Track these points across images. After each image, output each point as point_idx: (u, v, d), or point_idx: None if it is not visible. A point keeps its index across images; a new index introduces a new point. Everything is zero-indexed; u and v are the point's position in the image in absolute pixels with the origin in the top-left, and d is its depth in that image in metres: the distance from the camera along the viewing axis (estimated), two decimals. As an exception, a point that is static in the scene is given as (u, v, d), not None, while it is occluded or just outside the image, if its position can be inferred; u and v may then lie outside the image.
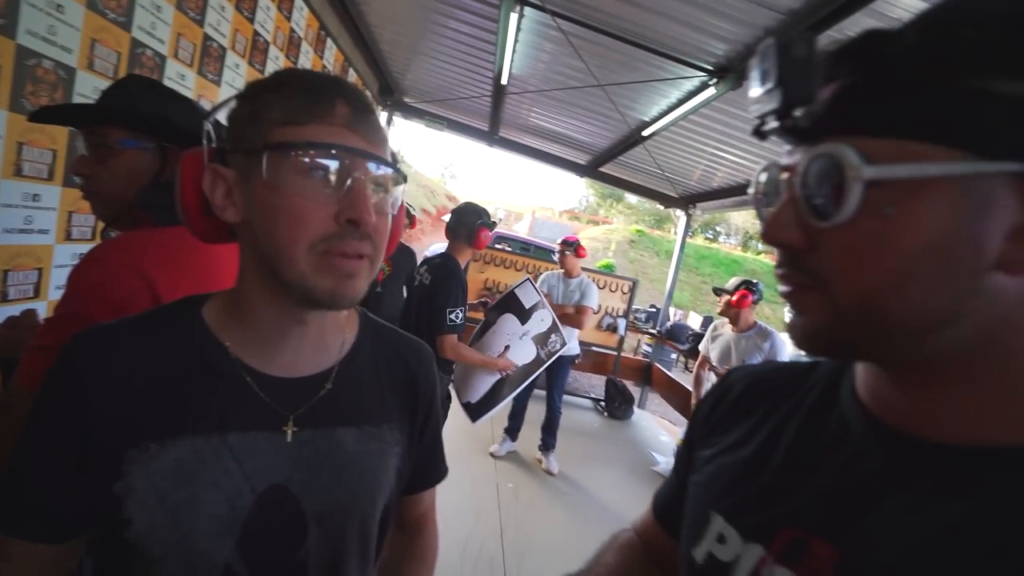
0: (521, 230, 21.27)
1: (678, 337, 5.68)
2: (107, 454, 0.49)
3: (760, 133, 0.39)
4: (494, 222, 2.50)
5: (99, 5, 1.53)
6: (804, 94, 0.36)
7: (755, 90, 0.38)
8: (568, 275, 3.55)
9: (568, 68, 3.51)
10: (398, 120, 5.88)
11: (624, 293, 5.63)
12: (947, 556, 0.34)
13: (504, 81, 3.83)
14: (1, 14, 1.24)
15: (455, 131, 5.98)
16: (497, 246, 7.50)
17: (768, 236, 0.39)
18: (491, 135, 5.90)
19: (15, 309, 1.44)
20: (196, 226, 0.55)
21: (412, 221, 3.31)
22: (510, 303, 2.95)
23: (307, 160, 0.48)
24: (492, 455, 3.76)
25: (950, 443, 0.36)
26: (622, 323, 5.13)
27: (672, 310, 7.46)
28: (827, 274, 0.36)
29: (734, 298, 2.82)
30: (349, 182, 0.49)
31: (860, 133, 0.34)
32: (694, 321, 9.39)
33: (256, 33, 2.54)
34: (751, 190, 0.44)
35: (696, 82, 3.01)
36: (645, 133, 3.96)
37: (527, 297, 2.93)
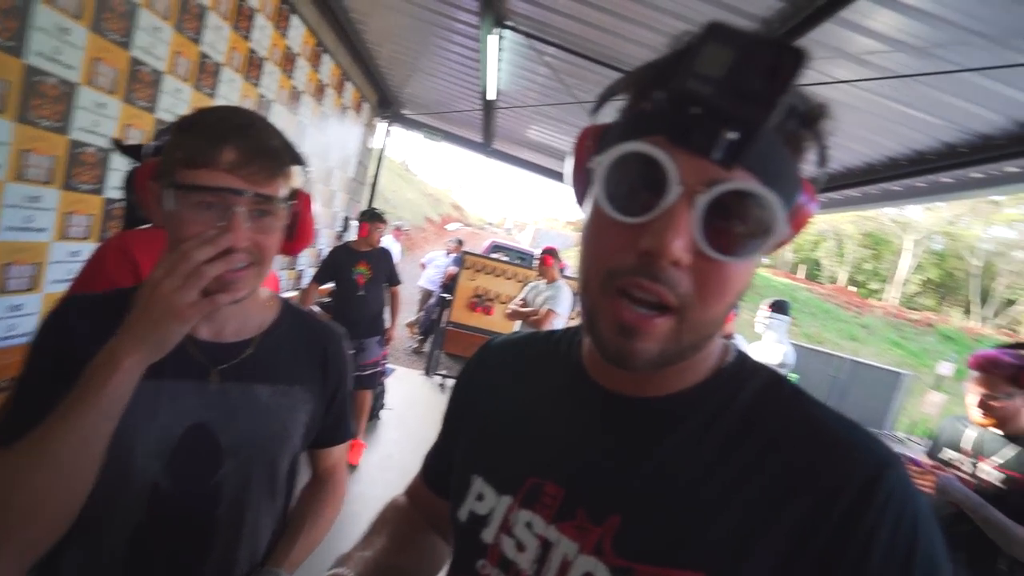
0: (524, 240, 21.47)
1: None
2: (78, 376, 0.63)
3: (657, 105, 0.37)
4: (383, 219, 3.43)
5: (102, 27, 1.71)
6: (763, 109, 0.33)
7: (708, 65, 0.33)
8: (548, 281, 3.69)
9: (552, 86, 3.69)
10: (397, 131, 6.10)
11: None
12: (633, 473, 0.44)
13: (491, 96, 4.01)
14: (11, 37, 1.42)
15: (452, 143, 6.19)
16: (493, 256, 7.69)
17: (668, 253, 0.36)
18: (485, 147, 6.09)
19: (14, 300, 1.60)
20: (157, 222, 0.71)
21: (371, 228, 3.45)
22: None
23: (194, 198, 0.61)
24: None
25: (644, 397, 0.46)
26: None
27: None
28: (691, 299, 0.38)
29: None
30: (229, 214, 0.61)
31: (762, 178, 0.36)
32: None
33: (252, 51, 2.73)
34: (603, 160, 0.38)
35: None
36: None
37: None
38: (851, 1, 1.82)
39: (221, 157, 0.62)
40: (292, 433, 0.76)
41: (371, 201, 5.92)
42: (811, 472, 0.39)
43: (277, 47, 3.00)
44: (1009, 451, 1.60)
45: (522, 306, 3.64)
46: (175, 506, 0.67)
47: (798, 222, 0.42)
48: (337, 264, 3.37)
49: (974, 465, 1.66)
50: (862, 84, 2.37)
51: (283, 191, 0.67)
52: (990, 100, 2.24)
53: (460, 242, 7.96)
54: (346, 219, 5.08)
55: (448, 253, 7.92)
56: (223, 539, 0.71)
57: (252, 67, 2.77)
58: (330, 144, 4.23)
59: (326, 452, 0.88)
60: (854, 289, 28.30)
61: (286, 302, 0.84)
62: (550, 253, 3.65)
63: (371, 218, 3.41)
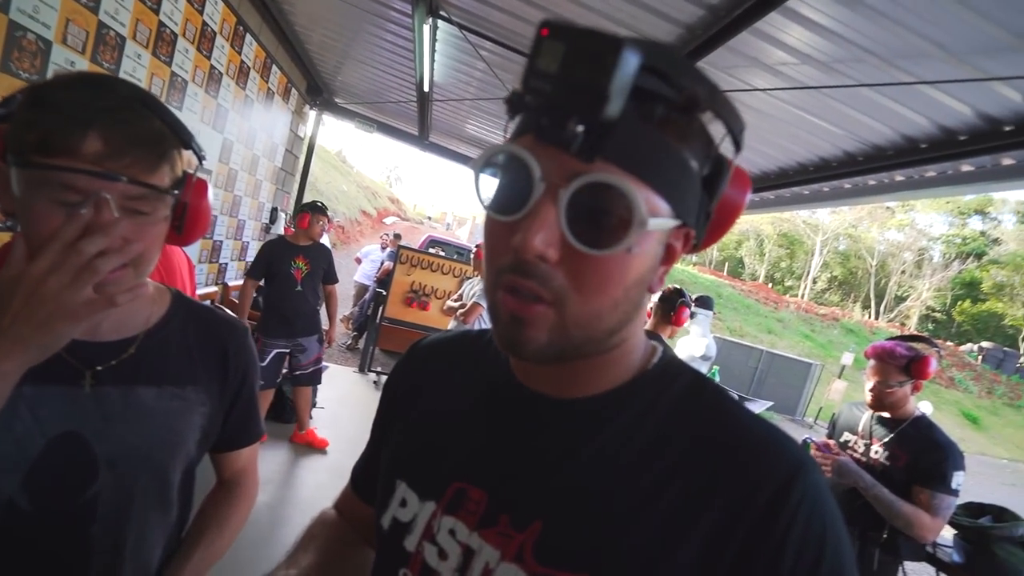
0: (463, 235, 21.35)
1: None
2: None
3: (514, 106, 0.37)
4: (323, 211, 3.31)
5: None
6: (597, 102, 0.32)
7: (545, 61, 0.34)
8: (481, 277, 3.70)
9: (488, 80, 3.67)
10: (331, 120, 5.86)
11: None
12: (556, 477, 0.43)
13: (427, 88, 3.94)
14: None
15: (386, 134, 6.02)
16: (430, 250, 7.58)
17: (530, 249, 0.36)
18: (421, 140, 5.98)
19: None
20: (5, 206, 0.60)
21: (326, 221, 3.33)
22: None
23: (50, 191, 0.52)
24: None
25: (568, 398, 0.46)
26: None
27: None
28: (567, 292, 0.38)
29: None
30: (91, 205, 0.53)
31: (629, 169, 0.36)
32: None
33: (161, 24, 2.51)
34: (476, 163, 0.40)
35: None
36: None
37: None
38: (764, 14, 1.93)
39: (83, 147, 0.53)
40: (185, 439, 0.70)
41: (302, 192, 5.65)
42: (728, 474, 0.40)
43: (191, 22, 2.78)
44: (895, 433, 1.78)
45: (457, 302, 3.63)
46: (36, 527, 0.60)
47: (723, 209, 0.42)
48: (273, 257, 3.18)
49: (867, 446, 1.84)
50: (775, 93, 2.54)
51: (167, 179, 0.60)
52: (882, 114, 2.47)
53: (397, 236, 7.78)
54: (274, 210, 4.82)
55: (383, 247, 7.72)
56: (101, 560, 0.64)
57: (162, 43, 2.55)
58: (255, 130, 3.97)
59: (232, 456, 0.82)
60: (771, 286, 30.49)
61: (178, 295, 0.77)
62: (482, 247, 3.66)
63: (313, 210, 3.25)
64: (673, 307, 2.56)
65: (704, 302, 3.53)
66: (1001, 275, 29.06)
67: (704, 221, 0.43)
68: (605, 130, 0.34)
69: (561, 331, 0.39)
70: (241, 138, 3.72)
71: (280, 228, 4.86)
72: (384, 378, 4.19)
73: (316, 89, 5.19)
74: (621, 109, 0.33)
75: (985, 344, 22.76)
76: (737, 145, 0.41)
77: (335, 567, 0.58)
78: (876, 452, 1.80)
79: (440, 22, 2.94)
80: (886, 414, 1.82)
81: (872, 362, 1.81)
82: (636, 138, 0.36)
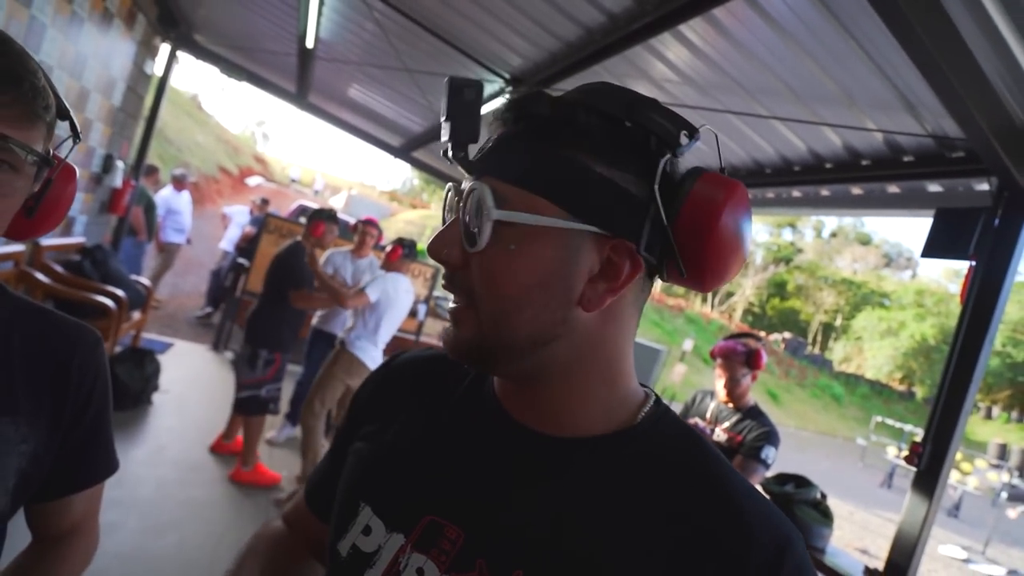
0: (336, 204, 20.05)
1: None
2: None
3: (446, 155, 0.44)
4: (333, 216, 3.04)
5: None
6: (468, 133, 0.42)
7: (441, 117, 0.43)
8: (358, 255, 3.46)
9: (380, 47, 3.45)
10: (188, 60, 5.05)
11: (427, 279, 5.76)
12: (539, 525, 0.41)
13: (309, 44, 3.59)
14: None
15: (258, 86, 5.38)
16: (301, 219, 6.99)
17: (430, 251, 0.43)
18: (299, 98, 5.46)
19: None
20: None
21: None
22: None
23: None
24: (269, 442, 3.53)
25: (553, 435, 0.44)
26: (422, 308, 5.26)
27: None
28: (474, 292, 0.42)
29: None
30: None
31: (506, 179, 0.41)
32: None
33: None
34: (441, 204, 0.48)
35: (496, 86, 3.25)
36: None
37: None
38: (657, 33, 2.08)
39: None
40: None
41: (147, 139, 4.83)
42: (720, 544, 0.39)
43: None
44: (735, 419, 2.12)
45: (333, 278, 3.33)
46: None
47: (695, 228, 0.40)
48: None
49: (712, 431, 2.15)
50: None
51: (38, 146, 0.49)
52: (740, 139, 2.82)
53: (265, 201, 7.02)
54: (108, 157, 4.04)
55: (251, 212, 6.90)
56: None
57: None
58: (84, 57, 3.24)
59: (59, 505, 0.63)
60: (631, 277, 33.43)
61: (4, 291, 0.59)
62: (370, 223, 3.44)
63: (329, 219, 3.00)
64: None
65: None
66: (801, 278, 35.38)
67: (662, 241, 0.41)
68: (484, 155, 0.43)
69: (479, 329, 0.42)
70: (64, 64, 3.00)
71: (117, 180, 4.10)
72: (240, 357, 3.78)
73: (171, 20, 4.42)
74: (492, 136, 0.43)
75: (787, 335, 27.64)
76: (671, 149, 0.41)
77: None
78: (719, 436, 2.12)
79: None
80: (731, 404, 2.14)
81: (719, 360, 2.12)
82: (515, 152, 0.42)
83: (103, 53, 3.49)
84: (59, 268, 3.45)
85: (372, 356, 2.92)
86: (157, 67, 4.69)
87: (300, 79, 4.86)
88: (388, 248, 3.01)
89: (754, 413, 2.11)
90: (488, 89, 3.35)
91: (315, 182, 26.92)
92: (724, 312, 32.93)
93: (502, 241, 0.40)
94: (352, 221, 4.67)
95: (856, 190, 2.79)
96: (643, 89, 2.68)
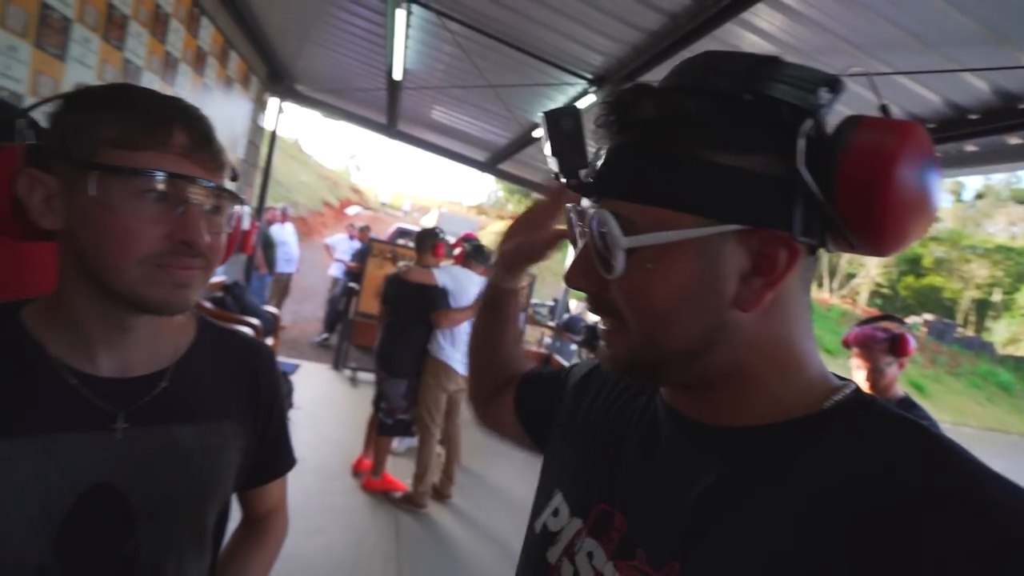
0: (428, 223, 21.03)
1: (574, 329, 5.98)
2: None
3: (558, 179, 0.46)
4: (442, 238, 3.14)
5: None
6: (575, 163, 0.43)
7: (546, 151, 0.44)
8: (476, 272, 3.52)
9: (461, 68, 3.58)
10: (291, 108, 5.61)
11: (522, 287, 5.82)
12: (701, 518, 0.39)
13: (397, 76, 3.81)
14: None
15: (353, 123, 5.82)
16: (399, 241, 7.41)
17: (568, 281, 0.43)
18: (389, 128, 5.82)
19: None
20: (6, 226, 0.55)
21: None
22: None
23: (141, 185, 0.50)
24: (391, 452, 3.75)
25: (720, 426, 0.42)
26: (520, 317, 5.31)
27: (572, 303, 7.81)
28: (621, 313, 0.41)
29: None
30: (182, 207, 0.52)
31: (626, 198, 0.39)
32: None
33: (111, 6, 2.32)
34: (565, 225, 0.49)
35: (579, 88, 3.22)
36: (535, 134, 4.14)
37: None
38: (750, 4, 1.94)
39: (173, 138, 0.51)
40: (223, 479, 0.64)
41: (265, 184, 5.41)
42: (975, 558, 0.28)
43: (144, 5, 2.58)
44: None
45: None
46: None
47: (856, 186, 0.35)
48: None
49: None
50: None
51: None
52: (857, 104, 2.54)
53: (365, 228, 7.53)
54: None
55: (351, 237, 7.43)
56: None
57: (112, 26, 2.36)
58: (215, 121, 3.67)
59: (262, 492, 0.75)
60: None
61: (203, 318, 0.70)
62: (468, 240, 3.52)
63: (441, 239, 3.15)
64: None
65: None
66: (940, 251, 30.87)
67: (821, 216, 0.36)
68: (597, 175, 0.41)
69: (631, 348, 0.42)
70: (201, 129, 3.50)
71: (246, 223, 4.64)
72: (360, 374, 4.02)
73: (277, 76, 4.94)
74: (601, 148, 0.41)
75: (928, 316, 24.21)
76: (810, 113, 0.35)
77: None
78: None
79: (414, 6, 2.83)
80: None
81: (856, 350, 1.86)
82: (629, 166, 0.39)
83: (228, 114, 4.00)
84: (208, 304, 3.96)
85: (454, 358, 3.03)
86: (268, 120, 5.26)
87: (390, 109, 5.18)
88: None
89: (906, 406, 1.81)
90: (571, 92, 3.33)
91: (403, 204, 28.50)
92: (846, 296, 29.69)
93: (638, 263, 0.38)
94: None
95: (1014, 140, 2.38)
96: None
